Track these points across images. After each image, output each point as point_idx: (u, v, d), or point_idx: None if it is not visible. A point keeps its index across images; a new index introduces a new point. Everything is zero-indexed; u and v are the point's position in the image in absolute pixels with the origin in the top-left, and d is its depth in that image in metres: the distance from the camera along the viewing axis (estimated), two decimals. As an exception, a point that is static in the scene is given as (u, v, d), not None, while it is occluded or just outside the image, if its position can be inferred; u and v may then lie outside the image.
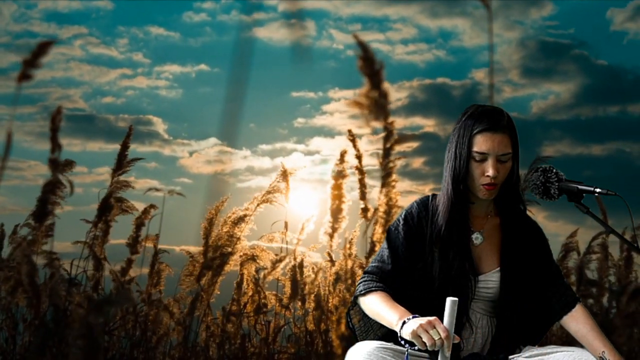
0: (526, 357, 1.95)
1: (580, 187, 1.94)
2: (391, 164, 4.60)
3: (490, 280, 2.01)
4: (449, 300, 1.74)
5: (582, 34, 6.61)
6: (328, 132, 6.40)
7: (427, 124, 6.09)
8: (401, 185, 5.25)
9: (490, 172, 1.92)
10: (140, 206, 4.82)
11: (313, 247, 5.01)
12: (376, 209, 4.65)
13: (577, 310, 2.02)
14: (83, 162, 4.76)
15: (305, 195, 5.05)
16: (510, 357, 1.99)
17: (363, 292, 1.97)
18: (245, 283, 4.90)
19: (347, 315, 2.10)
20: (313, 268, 5.00)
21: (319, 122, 6.21)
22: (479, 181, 1.95)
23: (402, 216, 2.05)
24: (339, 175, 4.81)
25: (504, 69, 6.42)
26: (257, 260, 4.84)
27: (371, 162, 4.75)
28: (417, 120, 6.25)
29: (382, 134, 4.57)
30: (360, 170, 4.79)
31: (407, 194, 4.87)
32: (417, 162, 5.58)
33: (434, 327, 1.72)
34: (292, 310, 4.97)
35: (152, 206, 4.82)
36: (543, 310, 2.05)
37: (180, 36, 6.47)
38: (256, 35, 5.96)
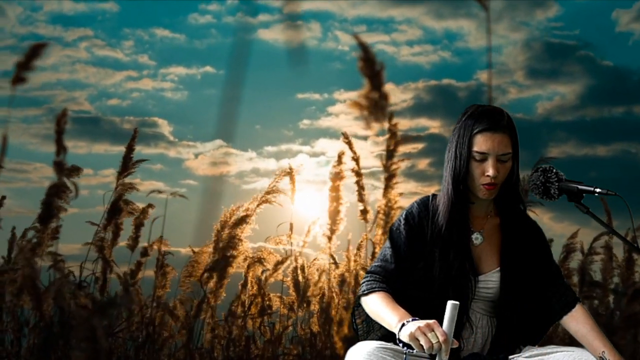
0: (526, 357, 1.95)
1: (580, 187, 1.93)
2: (394, 166, 4.61)
3: (490, 280, 2.01)
4: (450, 303, 1.72)
5: (588, 35, 6.62)
6: (333, 134, 6.43)
7: (433, 125, 6.11)
8: (406, 186, 5.27)
9: (490, 172, 1.93)
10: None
11: (322, 251, 5.02)
12: (379, 212, 4.67)
13: (577, 310, 2.02)
14: (89, 164, 4.79)
15: (311, 197, 5.07)
16: (510, 357, 1.99)
17: (366, 292, 1.98)
18: (249, 285, 4.91)
19: (351, 315, 2.10)
20: (317, 269, 5.01)
21: (325, 123, 6.23)
22: (479, 181, 1.95)
23: (403, 216, 2.05)
24: (336, 177, 4.82)
25: (510, 70, 6.44)
26: (264, 263, 4.85)
27: (377, 164, 4.77)
28: (423, 122, 6.27)
29: (386, 136, 4.59)
30: (358, 172, 4.81)
31: (412, 195, 4.89)
32: (423, 164, 5.59)
33: (432, 331, 1.71)
34: (296, 312, 4.97)
35: (150, 206, 4.83)
36: (543, 310, 2.05)
37: (186, 38, 6.50)
38: (261, 37, 6.00)
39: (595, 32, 6.69)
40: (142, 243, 4.91)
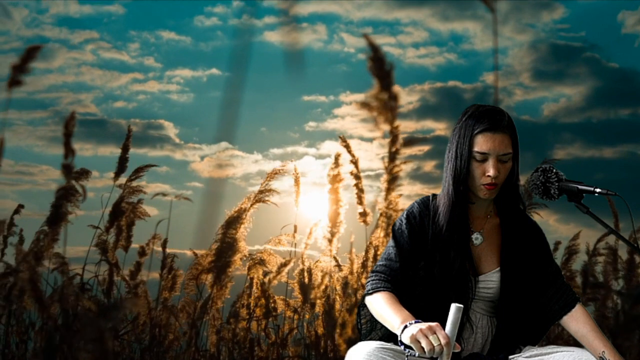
0: (526, 357, 1.95)
1: (580, 187, 1.94)
2: (396, 168, 4.61)
3: (490, 280, 2.01)
4: (454, 306, 1.71)
5: (594, 36, 6.61)
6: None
7: (439, 127, 6.10)
8: (412, 188, 5.28)
9: (491, 172, 1.93)
10: (151, 211, 4.87)
11: (323, 254, 5.03)
12: (382, 214, 4.67)
13: (577, 311, 2.02)
14: (94, 166, 4.79)
15: (317, 199, 5.07)
16: (510, 357, 1.99)
17: (370, 291, 1.98)
18: (255, 287, 4.92)
19: (357, 315, 2.11)
20: (321, 271, 5.01)
21: (330, 125, 6.24)
22: (480, 181, 1.95)
23: (404, 215, 2.05)
24: (335, 179, 4.83)
25: (516, 72, 6.44)
26: (265, 264, 4.85)
27: (382, 166, 4.78)
28: (429, 124, 6.26)
29: (388, 139, 4.59)
30: (357, 175, 4.81)
31: (417, 197, 4.87)
32: (429, 166, 5.59)
33: (435, 333, 1.70)
34: (300, 315, 4.98)
35: (140, 201, 4.82)
36: (543, 310, 2.04)
37: (192, 40, 6.51)
38: (267, 39, 6.02)
39: (601, 34, 6.68)
40: (140, 244, 4.94)
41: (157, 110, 6.50)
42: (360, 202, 4.81)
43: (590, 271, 5.19)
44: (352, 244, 4.95)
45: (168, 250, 4.96)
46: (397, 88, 4.32)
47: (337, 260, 4.91)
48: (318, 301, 4.90)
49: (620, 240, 2.01)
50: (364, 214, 4.80)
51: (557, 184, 1.96)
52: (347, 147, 4.82)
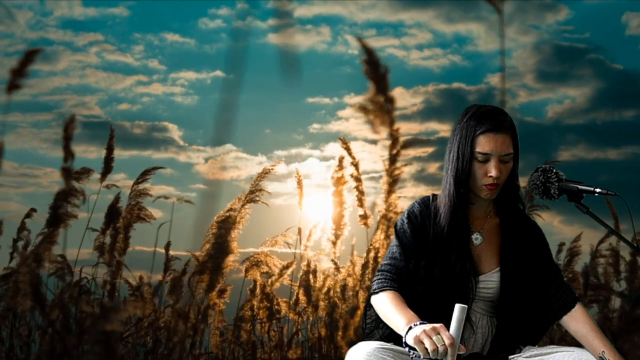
0: (526, 357, 1.95)
1: (580, 187, 1.93)
2: (397, 171, 4.63)
3: (490, 280, 2.01)
4: (458, 307, 1.70)
5: (598, 38, 6.63)
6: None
7: (443, 129, 6.10)
8: (416, 190, 5.28)
9: (493, 172, 1.93)
10: (155, 213, 4.88)
11: (320, 253, 5.03)
12: (382, 216, 4.68)
13: (577, 310, 2.02)
14: (99, 168, 4.82)
15: (321, 201, 5.08)
16: (510, 357, 1.99)
17: (377, 290, 1.98)
18: (258, 289, 4.92)
19: (363, 315, 2.11)
20: (323, 274, 5.02)
21: (335, 127, 6.25)
22: (482, 182, 1.96)
23: (405, 215, 2.06)
24: (338, 182, 4.84)
25: (520, 74, 6.44)
26: (262, 266, 4.85)
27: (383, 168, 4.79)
28: (433, 125, 6.27)
29: (388, 142, 4.60)
30: (357, 177, 4.82)
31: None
32: (433, 167, 5.60)
33: (438, 334, 1.70)
34: (305, 317, 4.98)
35: (136, 204, 4.83)
36: (543, 310, 2.04)
37: (196, 43, 6.53)
38: (271, 41, 6.04)
39: (605, 36, 6.69)
40: (143, 247, 4.95)
41: (162, 112, 6.52)
42: (361, 205, 4.82)
43: (591, 273, 5.20)
44: (354, 246, 4.97)
45: (172, 253, 4.98)
46: (399, 90, 4.34)
47: (335, 263, 4.92)
48: (321, 303, 4.91)
49: (621, 240, 2.01)
50: (364, 217, 4.81)
51: (557, 183, 1.96)
52: (348, 149, 4.84)
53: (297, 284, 4.95)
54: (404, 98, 6.08)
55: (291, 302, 4.99)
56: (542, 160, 4.48)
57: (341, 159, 4.87)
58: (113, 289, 4.65)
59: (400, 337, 1.84)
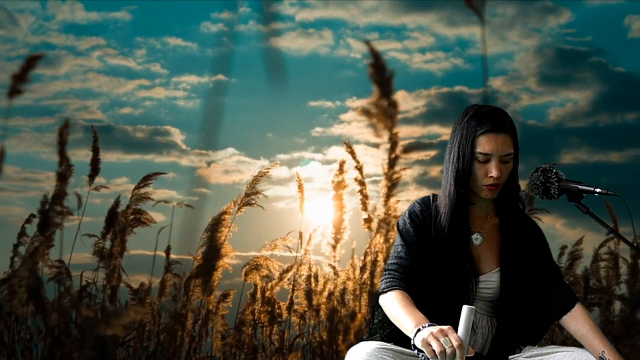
0: (526, 357, 1.95)
1: (580, 187, 1.94)
2: (396, 175, 4.63)
3: (490, 280, 2.01)
4: (466, 308, 1.69)
5: (600, 41, 6.61)
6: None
7: (445, 133, 6.09)
8: (419, 193, 5.27)
9: (493, 172, 1.93)
10: (157, 217, 4.89)
11: (319, 253, 5.03)
12: (381, 220, 4.68)
13: (577, 310, 2.01)
14: (101, 173, 4.83)
15: (323, 205, 5.07)
16: (510, 357, 1.99)
17: (385, 289, 1.97)
18: (259, 293, 4.92)
19: (371, 315, 2.11)
20: (323, 277, 5.01)
21: (337, 131, 6.24)
22: (482, 182, 1.96)
23: (407, 215, 2.05)
24: (339, 186, 4.85)
25: (522, 77, 6.45)
26: (261, 270, 4.85)
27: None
28: (435, 129, 6.27)
29: (388, 145, 4.61)
30: (361, 181, 4.83)
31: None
32: (435, 171, 5.59)
33: (446, 336, 1.69)
34: (307, 320, 4.98)
35: (130, 206, 4.83)
36: (543, 310, 2.04)
37: (198, 46, 6.55)
38: (274, 45, 6.04)
39: (607, 39, 6.68)
40: (144, 251, 4.95)
41: (164, 116, 6.53)
42: (365, 209, 4.82)
43: (592, 276, 5.19)
44: (354, 250, 4.97)
45: (173, 256, 4.99)
46: (401, 93, 4.35)
47: (334, 267, 4.92)
48: (323, 306, 4.90)
49: (621, 241, 2.01)
50: (368, 220, 4.81)
51: (557, 183, 1.96)
52: (352, 153, 4.84)
53: (294, 287, 4.94)
54: (406, 101, 6.08)
55: (287, 304, 4.99)
56: (543, 163, 4.48)
57: (342, 163, 4.88)
58: (114, 293, 4.65)
59: (401, 337, 1.85)
